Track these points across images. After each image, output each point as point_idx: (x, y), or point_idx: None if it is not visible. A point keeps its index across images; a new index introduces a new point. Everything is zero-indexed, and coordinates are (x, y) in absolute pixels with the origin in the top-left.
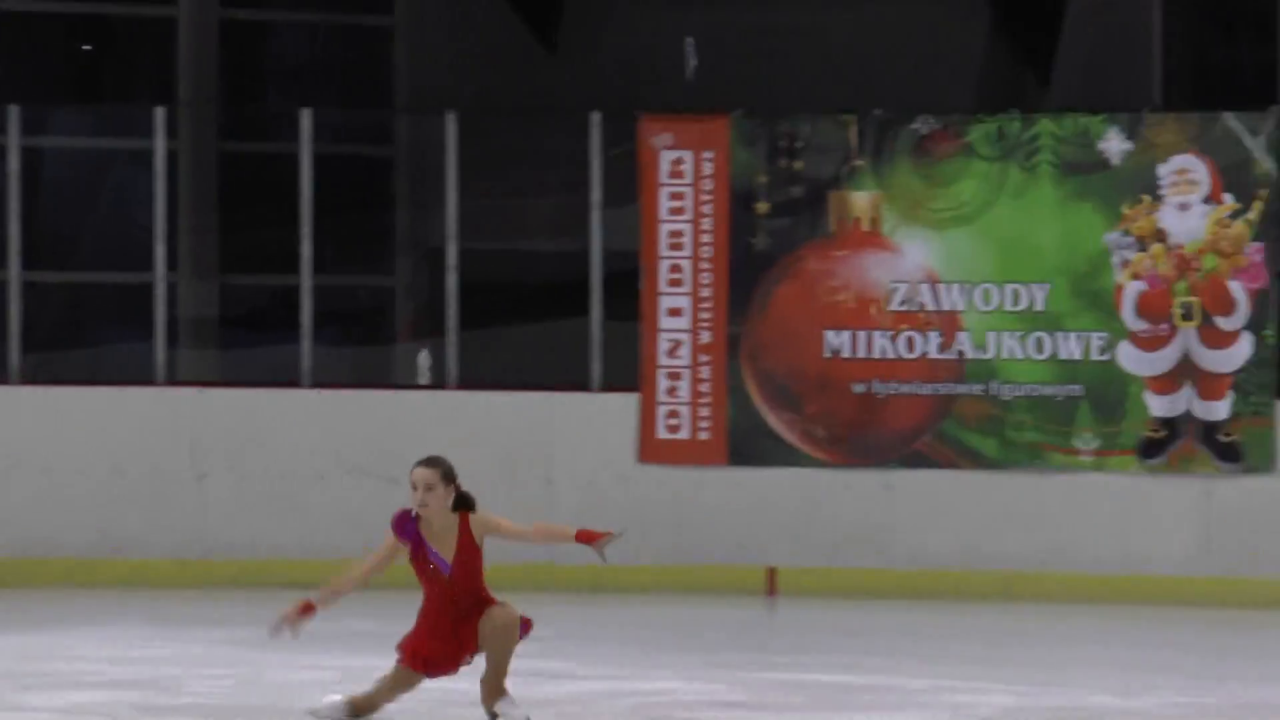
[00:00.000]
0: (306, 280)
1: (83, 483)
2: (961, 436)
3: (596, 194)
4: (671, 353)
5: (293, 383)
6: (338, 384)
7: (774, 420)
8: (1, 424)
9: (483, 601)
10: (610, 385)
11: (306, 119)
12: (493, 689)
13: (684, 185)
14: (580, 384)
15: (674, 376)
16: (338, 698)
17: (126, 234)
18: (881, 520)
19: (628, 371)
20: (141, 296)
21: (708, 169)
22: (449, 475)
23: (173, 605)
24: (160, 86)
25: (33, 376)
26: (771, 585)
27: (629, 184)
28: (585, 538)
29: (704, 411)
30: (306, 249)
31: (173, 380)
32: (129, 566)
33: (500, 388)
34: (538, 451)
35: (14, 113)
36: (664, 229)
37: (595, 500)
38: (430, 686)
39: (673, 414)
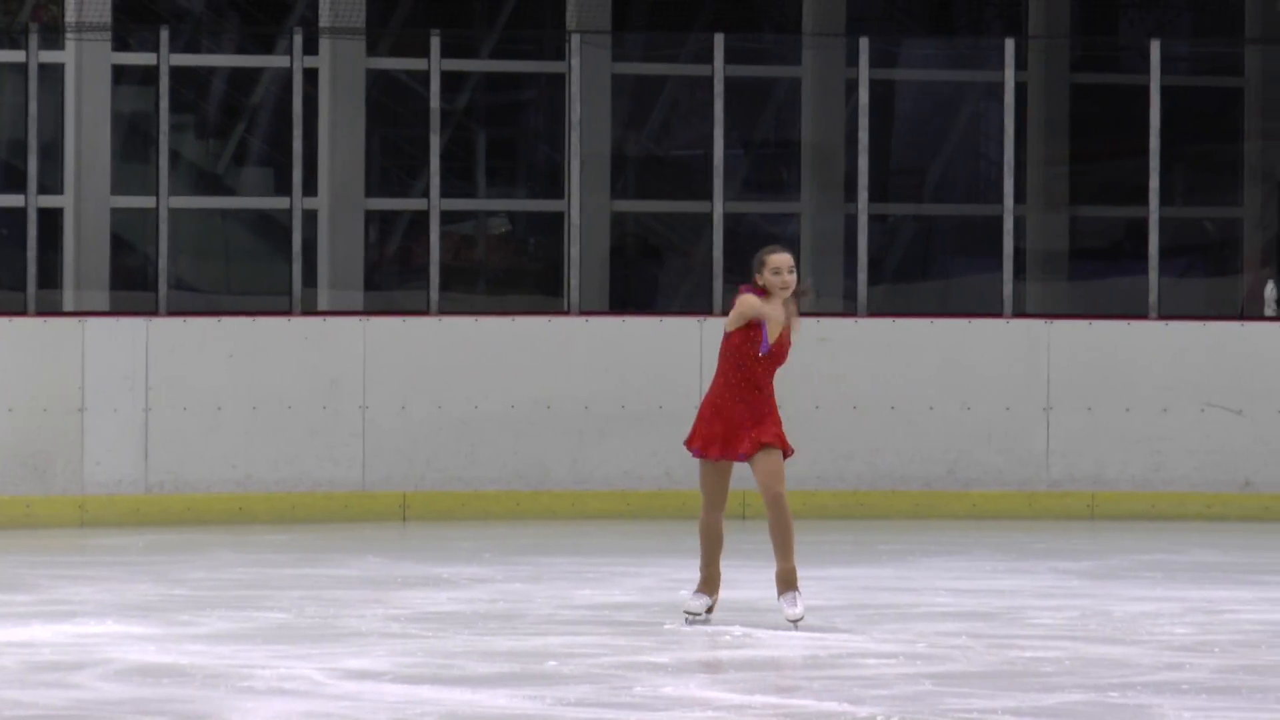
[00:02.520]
0: (1154, 212)
1: (929, 415)
2: None
3: None
4: None
5: (1141, 314)
6: (1185, 315)
7: None
8: (849, 356)
9: (762, 416)
10: None
11: (1156, 50)
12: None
13: None
14: None
15: None
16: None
17: (976, 167)
18: None
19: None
20: (991, 229)
21: None
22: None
23: (1016, 538)
24: (1011, 19)
25: (879, 308)
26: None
27: None
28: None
29: None
30: (1154, 181)
31: (1020, 312)
32: (974, 498)
33: None
34: None
35: (864, 44)
36: None
37: None
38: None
39: None
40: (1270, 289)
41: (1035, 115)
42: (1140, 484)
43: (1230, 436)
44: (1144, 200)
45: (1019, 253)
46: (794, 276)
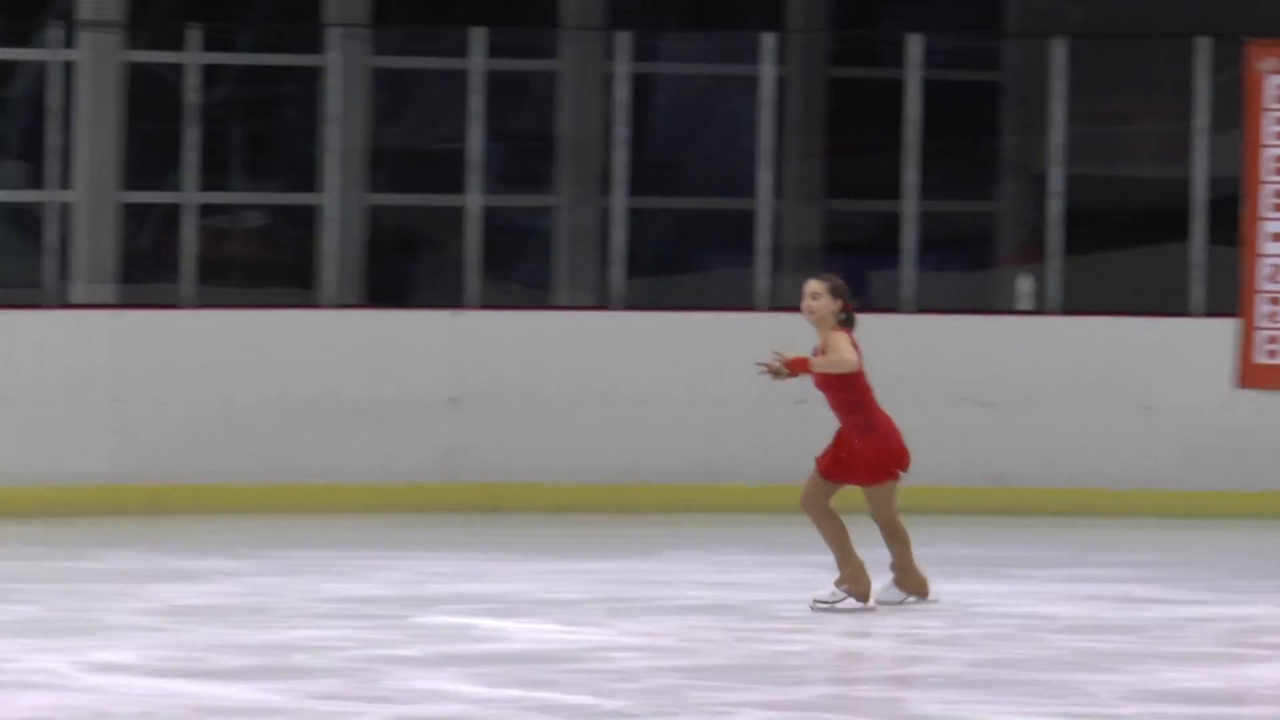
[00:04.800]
0: (911, 206)
1: (683, 408)
2: None
3: (1202, 119)
4: (1273, 277)
5: (895, 308)
6: (939, 309)
7: None
8: (603, 350)
9: (857, 427)
10: (1211, 310)
11: (914, 45)
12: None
13: None
14: (1180, 309)
15: (1275, 301)
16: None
17: (733, 161)
18: None
19: (1227, 297)
20: (747, 222)
21: None
22: (837, 291)
23: (770, 531)
24: (769, 13)
25: (635, 302)
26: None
27: (1234, 109)
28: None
29: None
30: (911, 175)
31: (775, 306)
32: (729, 492)
33: (1101, 313)
34: (1137, 377)
35: (623, 39)
36: (1268, 154)
37: (1193, 426)
38: None
39: (1273, 339)
40: (1024, 283)
41: (793, 109)
42: None
43: (982, 430)
44: (901, 194)
45: (775, 247)
46: (817, 302)
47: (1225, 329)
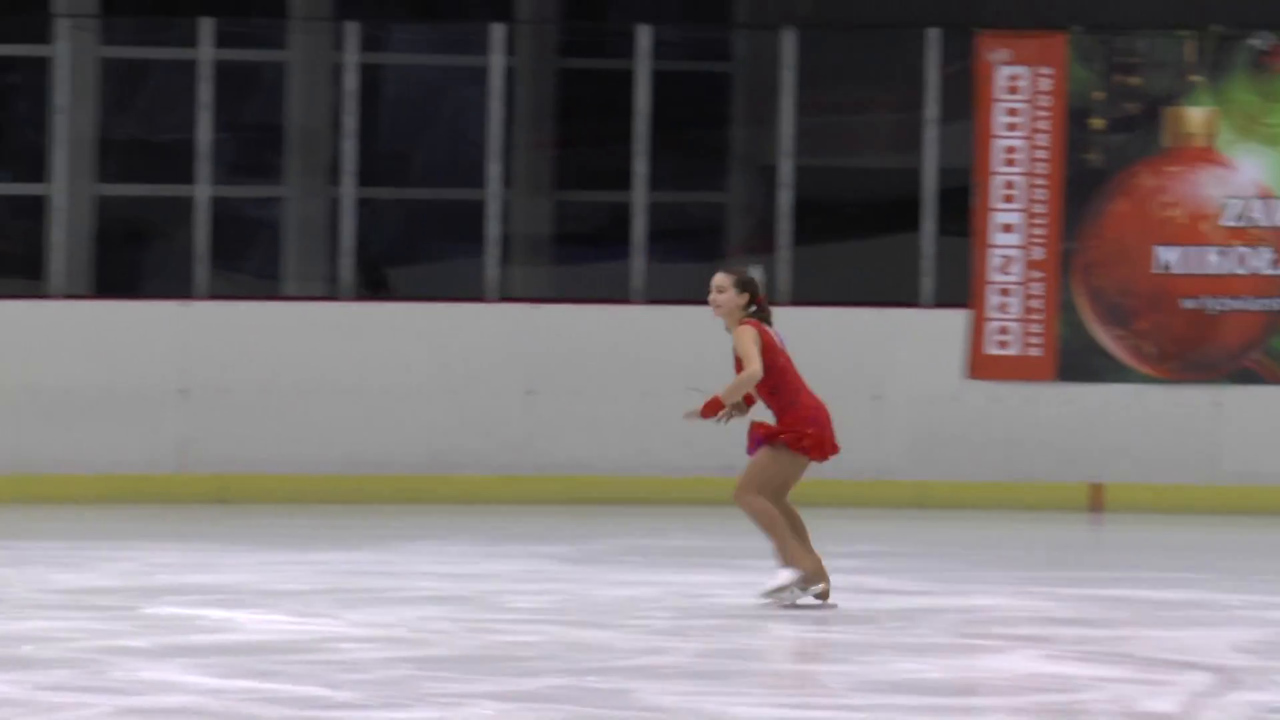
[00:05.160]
0: (641, 197)
1: (414, 399)
2: None
3: (932, 110)
4: (1003, 269)
5: (625, 299)
6: (670, 300)
7: (1104, 336)
8: (333, 340)
9: (779, 408)
10: (941, 301)
11: (643, 35)
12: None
13: (1020, 101)
14: (911, 300)
15: (1005, 293)
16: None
17: (462, 151)
18: (1211, 437)
19: (959, 288)
20: (476, 213)
21: (1044, 85)
22: (743, 284)
23: (500, 522)
24: (499, 4)
25: (367, 292)
26: (1098, 502)
27: (964, 100)
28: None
29: (1034, 328)
30: (641, 166)
31: (505, 297)
32: (458, 483)
33: (832, 304)
34: (868, 367)
35: (352, 29)
36: (998, 145)
37: (924, 416)
38: None
39: (1003, 330)
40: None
41: (522, 100)
42: (626, 468)
43: (714, 422)
44: (630, 185)
45: (505, 237)
46: (722, 296)
47: (956, 320)
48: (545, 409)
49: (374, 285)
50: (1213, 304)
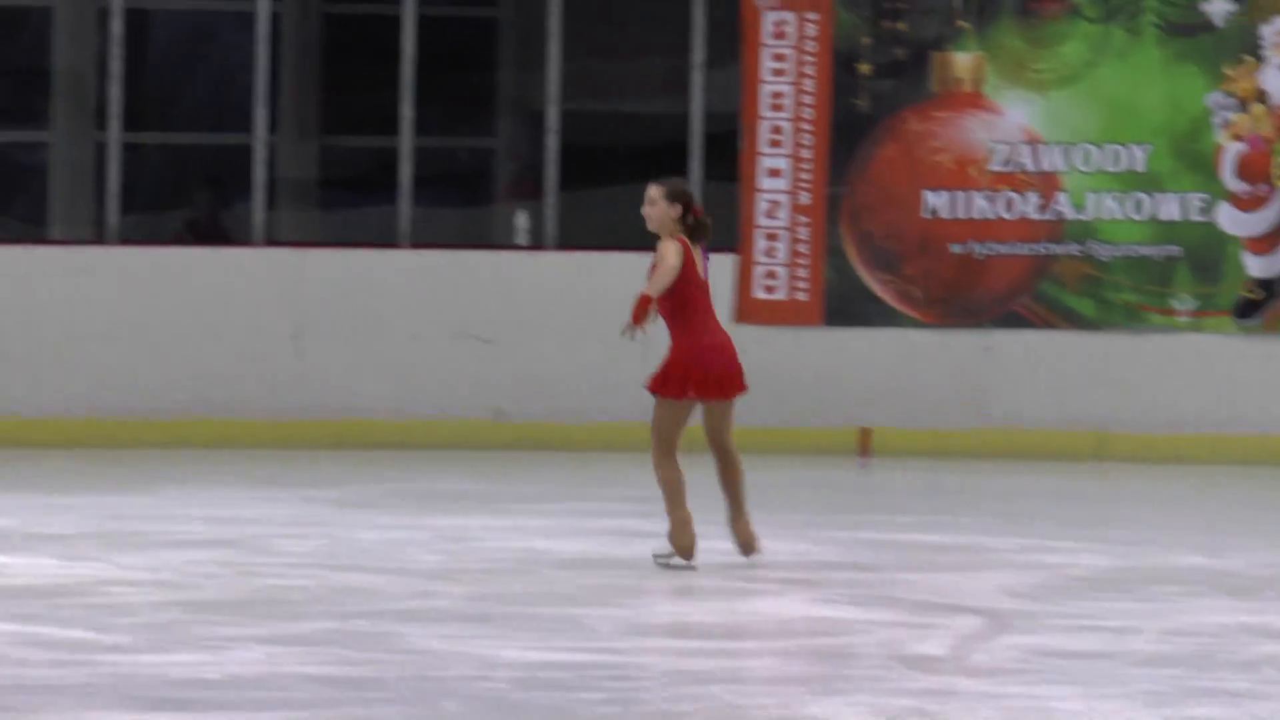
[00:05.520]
0: (407, 142)
1: (181, 343)
2: (1059, 297)
3: (698, 55)
4: (770, 213)
5: (392, 243)
6: (437, 244)
7: (872, 281)
8: (100, 285)
9: (672, 335)
10: (710, 245)
11: None
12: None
13: (786, 46)
14: None
15: (772, 237)
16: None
17: (229, 96)
18: (978, 381)
19: (726, 232)
20: (243, 158)
21: (811, 30)
22: (674, 195)
23: (267, 466)
24: None
25: (131, 237)
26: (866, 446)
27: (731, 45)
28: (636, 313)
29: (801, 272)
30: (408, 110)
31: (271, 241)
32: (225, 427)
33: (599, 248)
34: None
35: None
36: (765, 90)
37: None
38: None
39: (770, 274)
40: (521, 218)
41: (288, 45)
42: (394, 413)
43: (482, 366)
44: (396, 130)
45: (271, 182)
46: (654, 209)
47: (723, 264)
48: (312, 353)
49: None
50: (980, 249)
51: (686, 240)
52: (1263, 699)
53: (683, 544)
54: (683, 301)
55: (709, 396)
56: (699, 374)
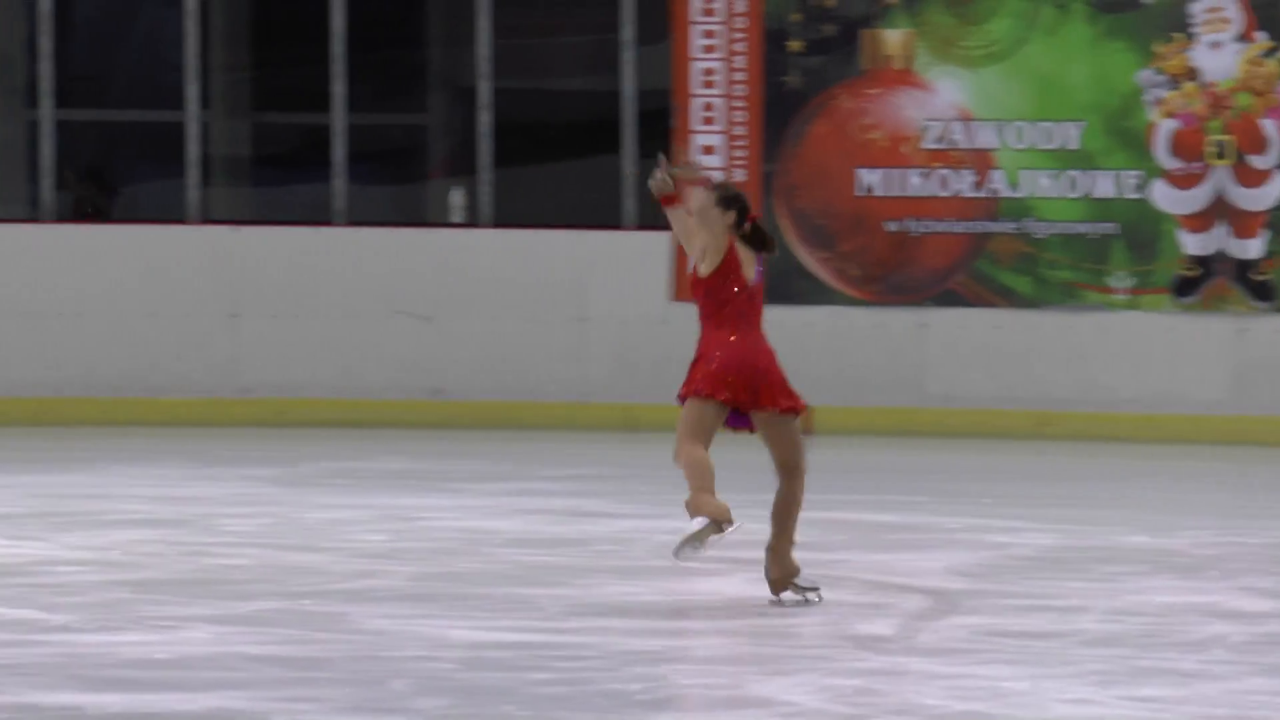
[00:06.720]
0: (340, 119)
1: (116, 322)
2: (995, 275)
3: (629, 32)
4: None
5: (326, 221)
6: (371, 222)
7: (808, 259)
8: (35, 263)
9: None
10: (643, 224)
11: None
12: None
13: (716, 23)
14: (612, 223)
15: None
16: (693, 529)
17: (159, 73)
18: (915, 359)
19: (661, 210)
20: (175, 135)
21: (740, 6)
22: (725, 200)
23: (207, 445)
24: None
25: (66, 214)
26: (805, 425)
27: (661, 22)
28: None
29: None
30: (340, 87)
31: (206, 219)
32: (163, 406)
33: (533, 226)
34: (570, 290)
35: None
36: (696, 67)
37: (628, 338)
38: None
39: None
40: (456, 195)
41: (217, 21)
42: (332, 391)
43: (420, 344)
44: (329, 106)
45: (204, 159)
46: (706, 215)
47: (659, 242)
48: (248, 331)
49: (93, 204)
50: (916, 226)
51: (735, 242)
52: (1211, 679)
53: (716, 512)
54: (720, 302)
55: (718, 396)
56: (715, 371)
